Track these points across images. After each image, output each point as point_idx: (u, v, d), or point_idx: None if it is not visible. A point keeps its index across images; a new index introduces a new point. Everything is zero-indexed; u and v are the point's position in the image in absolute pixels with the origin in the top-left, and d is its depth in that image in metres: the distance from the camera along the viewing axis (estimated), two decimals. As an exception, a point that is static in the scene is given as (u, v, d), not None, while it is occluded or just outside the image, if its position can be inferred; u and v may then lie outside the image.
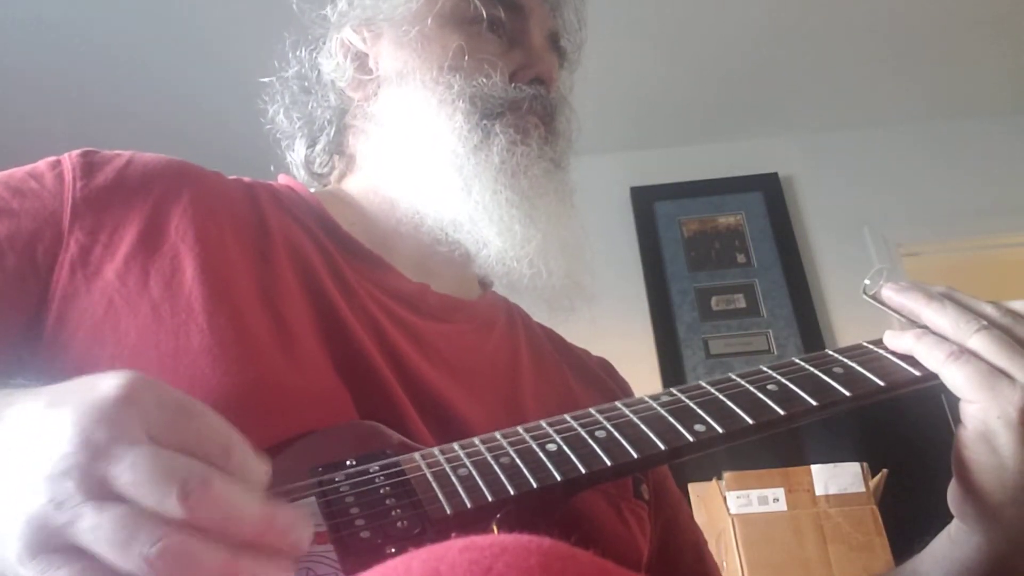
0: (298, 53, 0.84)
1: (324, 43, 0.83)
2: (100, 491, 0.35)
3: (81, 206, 0.61)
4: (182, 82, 2.48)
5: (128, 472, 0.35)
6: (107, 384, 0.38)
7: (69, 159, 0.65)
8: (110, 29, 2.28)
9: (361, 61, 0.80)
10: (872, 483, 1.78)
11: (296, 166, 0.86)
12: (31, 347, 0.57)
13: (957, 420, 0.54)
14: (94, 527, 0.34)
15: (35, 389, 0.41)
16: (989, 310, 0.56)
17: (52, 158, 0.65)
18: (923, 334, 0.56)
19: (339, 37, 0.81)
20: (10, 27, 2.22)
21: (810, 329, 2.52)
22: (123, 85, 2.46)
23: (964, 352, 0.53)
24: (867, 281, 0.62)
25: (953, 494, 0.56)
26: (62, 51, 2.32)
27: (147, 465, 0.35)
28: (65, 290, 0.58)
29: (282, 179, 0.81)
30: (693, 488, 1.90)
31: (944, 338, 0.55)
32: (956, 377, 0.52)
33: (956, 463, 0.54)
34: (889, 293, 0.60)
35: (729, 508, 1.79)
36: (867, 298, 0.61)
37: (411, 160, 0.74)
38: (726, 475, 1.83)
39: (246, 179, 0.75)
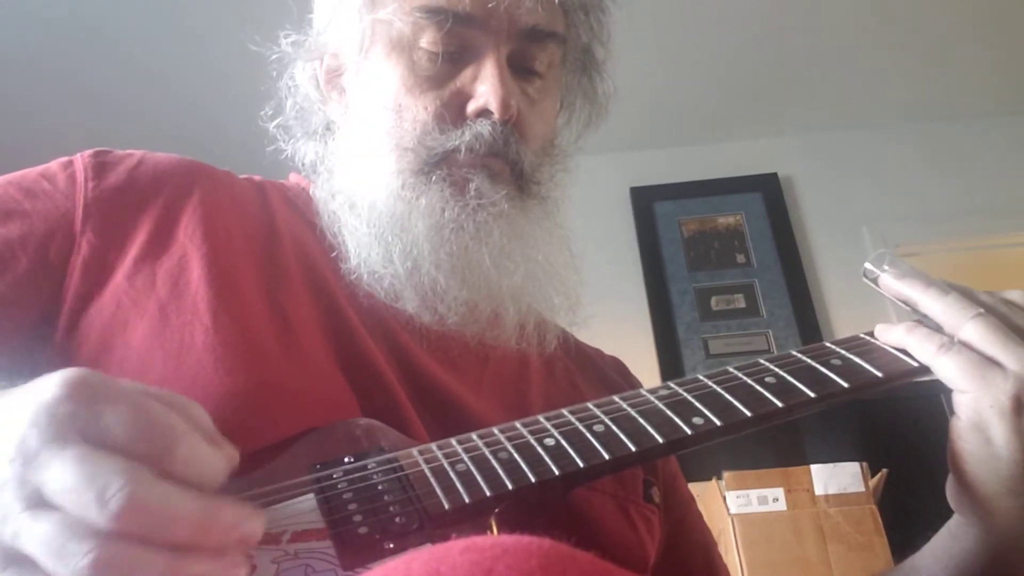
0: (288, 71, 0.81)
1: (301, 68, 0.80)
2: (34, 500, 0.35)
3: (92, 207, 0.62)
4: (193, 84, 2.48)
5: (54, 480, 0.34)
6: (48, 384, 0.37)
7: (81, 159, 0.65)
8: (122, 28, 2.28)
9: (327, 89, 0.78)
10: (872, 483, 1.78)
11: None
12: (41, 347, 0.57)
13: (953, 413, 0.54)
14: (31, 539, 0.34)
15: (5, 391, 0.40)
16: (985, 298, 0.56)
17: (64, 158, 0.66)
18: (914, 327, 0.56)
19: (304, 68, 0.78)
20: (19, 25, 2.22)
21: (810, 329, 2.52)
22: (136, 85, 2.47)
23: (955, 343, 0.53)
24: (868, 265, 0.62)
25: (950, 487, 0.56)
26: (72, 49, 2.33)
27: (71, 471, 0.34)
28: (77, 292, 0.58)
29: (293, 178, 0.81)
30: (693, 488, 1.90)
31: (935, 331, 0.55)
32: (947, 368, 0.52)
33: (951, 455, 0.54)
34: (888, 279, 0.60)
35: (729, 508, 1.79)
36: (867, 281, 0.62)
37: (349, 206, 0.71)
38: (726, 475, 1.83)
39: (256, 178, 0.76)
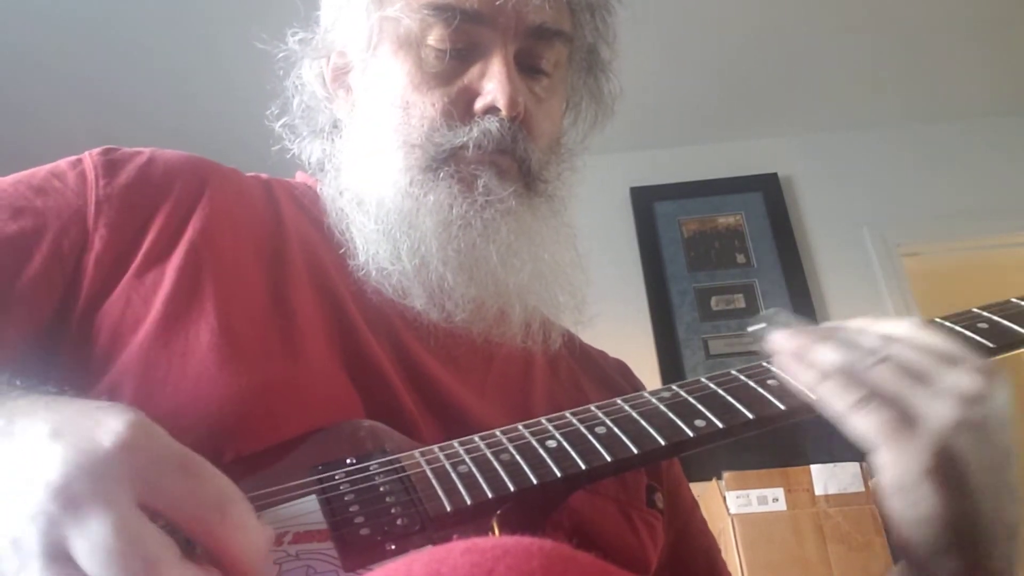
0: (295, 69, 0.81)
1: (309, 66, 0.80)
2: (55, 549, 0.34)
3: (104, 204, 0.62)
4: (199, 83, 2.48)
5: (87, 543, 0.34)
6: (108, 428, 0.37)
7: (90, 157, 0.65)
8: (127, 26, 2.28)
9: (334, 87, 0.78)
10: (872, 483, 1.78)
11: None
12: (53, 344, 0.57)
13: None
14: None
15: (49, 407, 0.40)
16: (876, 343, 0.52)
17: (73, 157, 0.66)
18: (826, 376, 0.51)
19: (311, 66, 0.78)
20: (22, 23, 2.22)
21: (810, 329, 2.52)
22: (141, 84, 2.47)
23: (869, 398, 0.49)
24: (751, 328, 0.58)
25: (891, 543, 0.53)
26: (77, 48, 2.32)
27: (108, 542, 0.34)
28: (90, 289, 0.58)
29: (300, 176, 0.81)
30: (693, 488, 1.90)
31: (849, 382, 0.50)
32: (860, 428, 0.49)
33: (882, 517, 0.52)
34: (777, 339, 0.55)
35: (729, 508, 1.79)
36: (752, 345, 0.57)
37: (357, 203, 0.71)
38: (726, 475, 1.84)
39: (263, 176, 0.76)
